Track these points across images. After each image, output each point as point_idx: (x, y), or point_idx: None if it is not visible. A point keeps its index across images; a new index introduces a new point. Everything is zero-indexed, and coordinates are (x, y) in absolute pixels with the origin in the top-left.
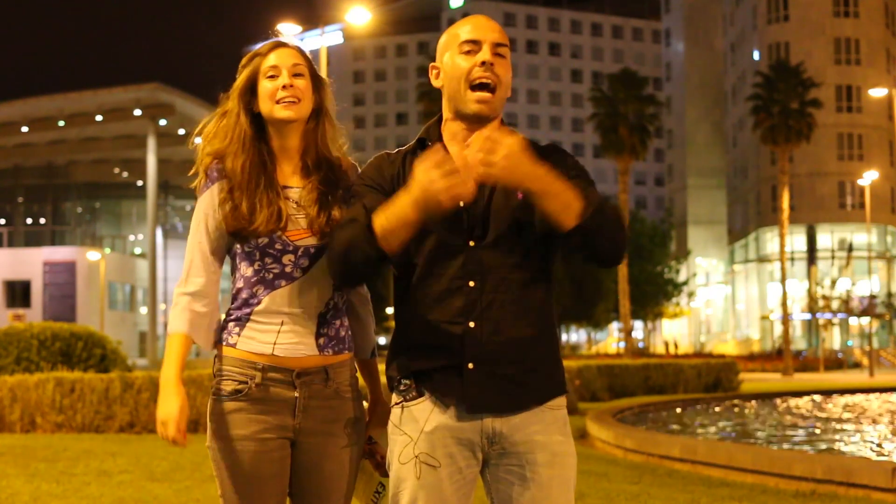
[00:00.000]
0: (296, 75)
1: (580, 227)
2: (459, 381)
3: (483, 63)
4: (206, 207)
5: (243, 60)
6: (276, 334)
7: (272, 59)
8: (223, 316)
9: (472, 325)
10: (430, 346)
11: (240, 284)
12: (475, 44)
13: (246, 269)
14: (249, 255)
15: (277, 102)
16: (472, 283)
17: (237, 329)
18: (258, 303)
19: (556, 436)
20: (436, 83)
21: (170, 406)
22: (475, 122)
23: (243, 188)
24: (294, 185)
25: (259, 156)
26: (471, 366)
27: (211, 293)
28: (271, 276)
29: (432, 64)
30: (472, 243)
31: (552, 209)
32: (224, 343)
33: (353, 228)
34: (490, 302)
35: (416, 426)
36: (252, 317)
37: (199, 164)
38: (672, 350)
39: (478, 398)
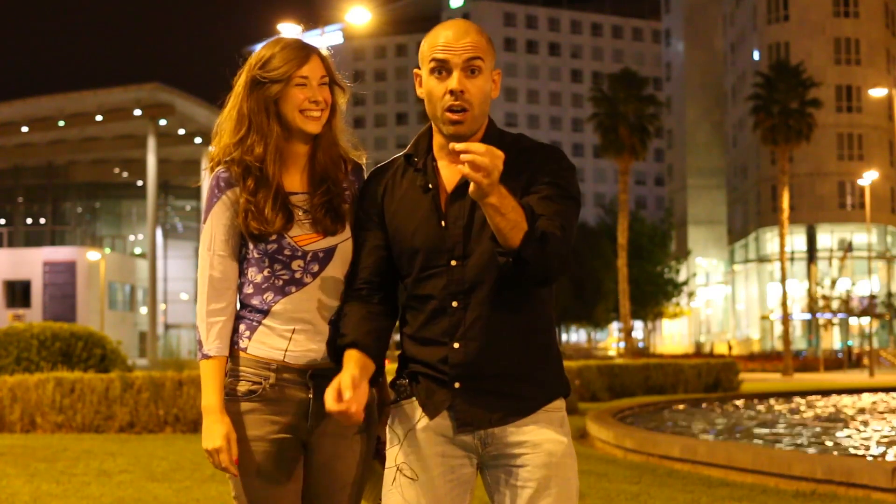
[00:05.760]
0: (321, 85)
1: (517, 251)
2: (448, 395)
3: (451, 92)
4: (220, 217)
5: (276, 61)
6: (288, 341)
7: (304, 69)
8: None
9: (456, 345)
10: (421, 362)
11: (248, 290)
12: (444, 64)
13: (255, 275)
14: (259, 262)
15: (302, 112)
16: (454, 304)
17: (247, 333)
18: (269, 309)
19: (551, 436)
20: (419, 91)
21: (216, 436)
22: (455, 139)
23: (269, 191)
24: (299, 190)
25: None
26: (457, 385)
27: (231, 303)
28: (281, 282)
29: (415, 70)
30: (453, 263)
31: (501, 226)
32: (235, 345)
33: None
34: (473, 321)
35: (406, 424)
36: (264, 321)
37: (223, 156)
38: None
39: (466, 414)
